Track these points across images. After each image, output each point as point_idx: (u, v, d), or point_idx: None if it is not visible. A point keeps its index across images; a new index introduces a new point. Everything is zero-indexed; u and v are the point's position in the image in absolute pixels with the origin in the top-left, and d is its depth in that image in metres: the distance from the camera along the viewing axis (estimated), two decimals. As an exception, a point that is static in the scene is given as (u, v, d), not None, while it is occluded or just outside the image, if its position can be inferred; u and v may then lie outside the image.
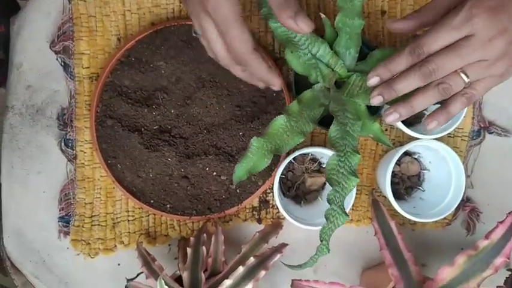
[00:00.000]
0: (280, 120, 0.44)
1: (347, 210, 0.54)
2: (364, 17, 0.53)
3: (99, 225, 0.58)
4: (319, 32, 0.57)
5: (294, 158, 0.57)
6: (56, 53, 0.57)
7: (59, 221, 0.58)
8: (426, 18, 0.43)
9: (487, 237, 0.48)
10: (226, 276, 0.49)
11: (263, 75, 0.41)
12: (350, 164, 0.41)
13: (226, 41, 0.39)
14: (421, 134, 0.55)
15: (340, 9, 0.47)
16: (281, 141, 0.44)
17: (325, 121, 0.48)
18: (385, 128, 0.60)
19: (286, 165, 0.55)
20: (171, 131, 0.54)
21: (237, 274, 0.48)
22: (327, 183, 0.59)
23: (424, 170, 0.60)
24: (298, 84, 0.53)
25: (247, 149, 0.43)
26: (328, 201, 0.41)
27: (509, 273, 0.55)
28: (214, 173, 0.55)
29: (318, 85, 0.47)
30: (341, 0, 0.47)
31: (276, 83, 0.43)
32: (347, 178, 0.41)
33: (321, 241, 0.42)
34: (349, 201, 0.55)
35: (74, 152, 0.57)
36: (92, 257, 0.58)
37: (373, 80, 0.43)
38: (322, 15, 0.48)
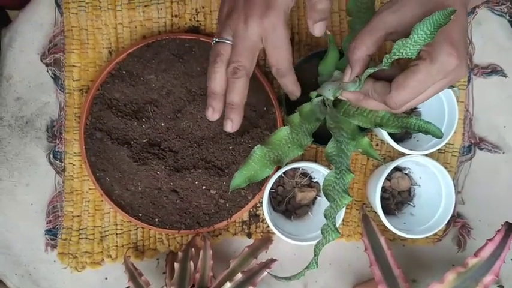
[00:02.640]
0: (283, 131, 0.44)
1: (337, 225, 0.54)
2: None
3: (86, 238, 0.57)
4: (321, 46, 0.57)
5: (284, 173, 0.57)
6: (47, 65, 0.57)
7: (46, 234, 0.57)
8: (367, 52, 0.40)
9: (476, 254, 0.47)
10: (213, 292, 0.48)
11: (291, 87, 0.47)
12: (344, 182, 0.41)
13: (273, 54, 0.43)
14: (411, 149, 0.55)
15: (351, 30, 0.47)
16: (283, 152, 0.44)
17: (318, 137, 0.48)
18: (375, 143, 0.60)
19: (276, 180, 0.55)
20: (161, 145, 0.54)
21: (225, 290, 0.47)
22: (318, 198, 0.59)
23: (414, 185, 0.60)
24: (288, 99, 0.53)
25: (249, 157, 0.43)
26: (325, 216, 0.41)
27: (500, 290, 0.54)
28: (204, 187, 0.54)
29: (316, 99, 0.47)
30: (352, 22, 0.47)
31: (298, 94, 0.48)
32: (341, 196, 0.41)
33: (314, 255, 0.41)
34: (339, 216, 0.54)
35: (63, 164, 0.57)
36: (78, 271, 0.58)
37: (346, 94, 0.44)
38: (328, 32, 0.49)
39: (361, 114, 0.45)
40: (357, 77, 0.41)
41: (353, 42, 0.40)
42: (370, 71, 0.38)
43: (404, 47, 0.35)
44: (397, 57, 0.36)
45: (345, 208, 0.54)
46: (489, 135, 0.61)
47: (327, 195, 0.42)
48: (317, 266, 0.42)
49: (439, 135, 0.46)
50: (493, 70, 0.61)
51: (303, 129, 0.45)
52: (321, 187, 0.43)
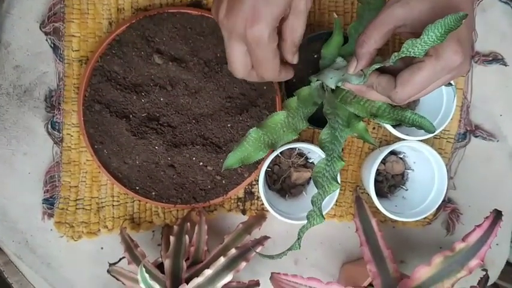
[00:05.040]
0: (280, 115, 0.45)
1: (330, 206, 0.55)
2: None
3: (83, 208, 0.58)
4: (323, 27, 0.57)
5: (280, 152, 0.58)
6: (46, 34, 0.56)
7: (43, 203, 0.58)
8: (375, 45, 0.40)
9: (463, 239, 0.49)
10: (207, 266, 0.49)
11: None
12: (334, 170, 0.42)
13: (258, 67, 0.41)
14: (407, 134, 0.55)
15: (358, 16, 0.47)
16: (277, 136, 0.45)
17: (315, 120, 0.48)
18: (372, 127, 0.61)
19: (272, 159, 0.55)
20: (159, 119, 0.54)
21: (218, 264, 0.49)
22: (312, 179, 0.60)
23: (408, 169, 0.61)
24: (287, 81, 0.53)
25: (244, 139, 0.43)
26: (312, 202, 0.42)
27: (484, 273, 0.56)
28: (201, 163, 0.55)
29: (315, 83, 0.48)
30: (361, 8, 0.47)
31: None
32: (329, 182, 0.42)
33: (298, 238, 0.42)
34: (333, 197, 0.55)
35: (61, 134, 0.57)
36: (75, 240, 0.59)
37: (348, 85, 0.44)
38: (335, 15, 0.48)
39: (358, 103, 0.46)
40: (361, 70, 0.41)
41: (362, 35, 0.40)
42: (376, 66, 0.38)
43: (413, 46, 0.35)
44: (404, 55, 0.36)
45: (338, 190, 0.55)
46: (485, 123, 0.62)
47: (316, 182, 0.42)
48: (299, 248, 0.43)
49: (431, 131, 0.47)
50: (494, 58, 0.61)
51: (299, 114, 0.46)
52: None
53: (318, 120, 0.49)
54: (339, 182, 0.49)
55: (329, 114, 0.45)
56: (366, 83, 0.41)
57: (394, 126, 0.55)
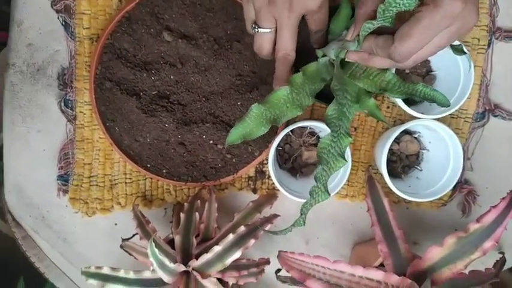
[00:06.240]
0: (283, 91, 0.44)
1: (341, 185, 0.55)
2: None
3: (97, 185, 0.59)
4: (333, 1, 0.55)
5: (291, 131, 0.57)
6: (57, 11, 0.56)
7: (58, 179, 0.59)
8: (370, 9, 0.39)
9: (478, 220, 0.47)
10: (216, 243, 0.50)
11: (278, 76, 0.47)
12: (341, 146, 0.41)
13: (316, 25, 0.46)
14: (422, 113, 0.54)
15: None
16: (280, 112, 0.44)
17: (323, 96, 0.47)
18: (386, 105, 0.59)
19: (283, 137, 0.55)
20: (170, 97, 0.54)
21: (227, 241, 0.49)
22: (317, 155, 0.59)
23: (423, 149, 0.60)
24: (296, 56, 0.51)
25: (246, 114, 0.43)
26: (315, 178, 0.41)
27: (501, 256, 0.55)
28: (211, 141, 0.55)
29: (322, 59, 0.46)
30: None
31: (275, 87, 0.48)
32: (335, 159, 0.41)
33: (301, 214, 0.42)
34: (344, 176, 0.55)
35: (74, 112, 0.58)
36: (89, 216, 0.60)
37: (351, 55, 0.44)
38: None
39: (368, 77, 0.44)
40: (358, 35, 0.39)
41: None
42: (369, 25, 0.37)
43: None
44: (394, 10, 0.34)
45: (350, 169, 0.54)
46: (505, 102, 0.60)
47: (320, 158, 0.41)
48: (304, 224, 0.42)
49: (445, 104, 0.45)
50: (516, 34, 0.58)
51: (305, 90, 0.45)
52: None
53: (326, 96, 0.48)
54: (347, 159, 0.48)
55: (337, 90, 0.43)
56: (363, 48, 0.39)
57: (408, 105, 0.54)
